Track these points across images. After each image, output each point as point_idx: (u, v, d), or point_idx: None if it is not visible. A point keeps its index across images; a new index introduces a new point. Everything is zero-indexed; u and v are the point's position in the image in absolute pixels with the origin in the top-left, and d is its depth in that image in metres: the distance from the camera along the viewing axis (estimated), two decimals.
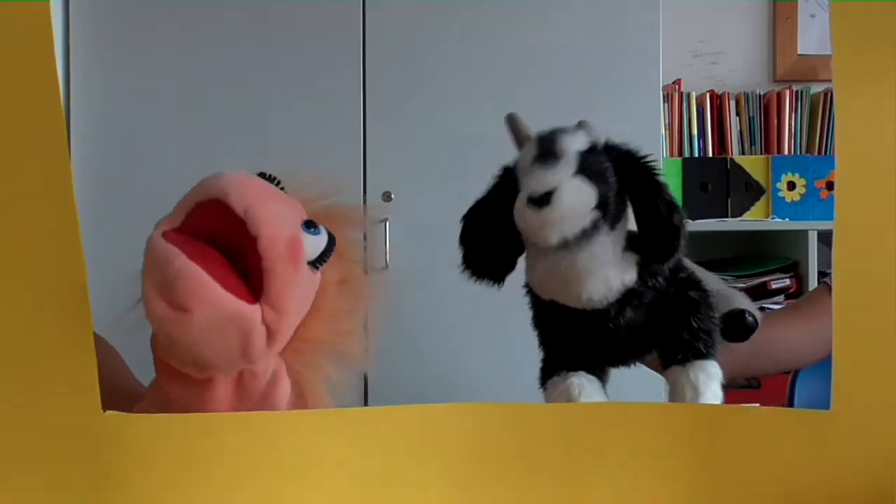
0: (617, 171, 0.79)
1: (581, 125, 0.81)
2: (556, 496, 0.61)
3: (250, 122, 1.90)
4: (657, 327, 0.84)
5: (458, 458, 0.61)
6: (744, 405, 0.67)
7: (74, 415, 0.57)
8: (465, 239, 0.86)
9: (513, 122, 0.83)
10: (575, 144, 0.79)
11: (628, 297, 0.82)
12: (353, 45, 1.90)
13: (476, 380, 1.85)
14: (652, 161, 0.81)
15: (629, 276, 0.81)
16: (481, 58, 1.91)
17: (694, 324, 0.82)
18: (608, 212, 0.78)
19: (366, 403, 1.90)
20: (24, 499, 0.57)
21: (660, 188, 0.80)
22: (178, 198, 0.69)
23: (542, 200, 0.76)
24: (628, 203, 0.81)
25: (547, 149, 0.79)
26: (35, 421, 0.57)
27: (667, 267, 0.81)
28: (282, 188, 0.69)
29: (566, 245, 0.77)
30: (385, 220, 1.89)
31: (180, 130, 1.90)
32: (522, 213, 0.78)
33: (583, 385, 0.84)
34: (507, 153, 0.87)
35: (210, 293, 0.59)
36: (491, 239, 0.83)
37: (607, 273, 0.80)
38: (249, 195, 0.61)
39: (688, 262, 0.90)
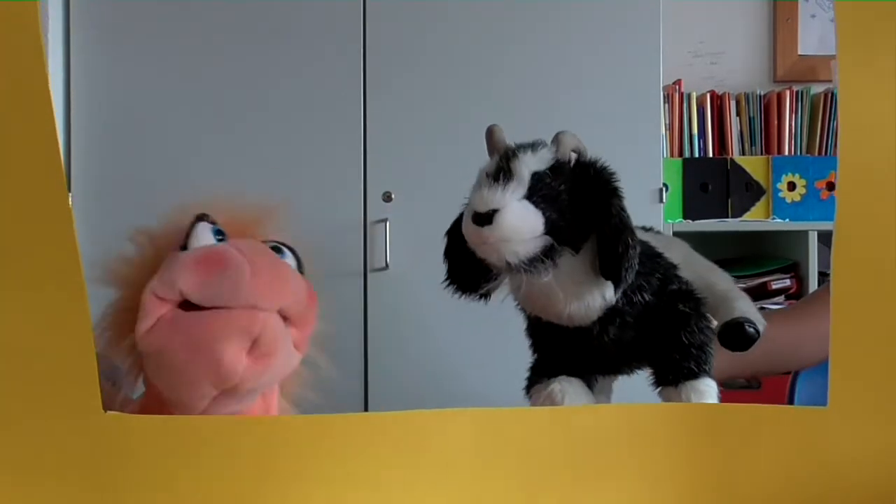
0: (575, 192, 0.77)
1: (556, 139, 0.79)
2: (557, 501, 0.61)
3: (251, 121, 1.90)
4: (647, 343, 0.83)
5: (458, 464, 0.61)
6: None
7: (74, 415, 0.57)
8: (449, 255, 0.84)
9: (489, 135, 0.81)
10: (533, 164, 0.76)
11: (611, 315, 0.81)
12: (354, 45, 1.90)
13: (477, 380, 1.85)
14: (612, 181, 0.78)
15: (610, 294, 0.79)
16: (481, 58, 1.91)
17: (685, 339, 0.80)
18: (563, 236, 0.76)
19: (366, 402, 1.90)
20: (23, 499, 0.57)
21: (610, 210, 0.77)
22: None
23: (484, 219, 0.74)
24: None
25: (503, 166, 0.76)
26: (35, 421, 0.57)
27: (622, 289, 0.78)
28: (217, 226, 0.69)
29: (518, 270, 0.75)
30: (385, 221, 1.89)
31: (180, 130, 1.90)
32: (466, 227, 0.77)
33: (565, 390, 0.84)
34: None
35: (285, 333, 0.63)
36: (471, 256, 0.80)
37: (583, 292, 0.79)
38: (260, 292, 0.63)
39: (693, 266, 0.88)
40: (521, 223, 0.74)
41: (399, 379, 1.89)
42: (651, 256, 0.83)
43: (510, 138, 0.84)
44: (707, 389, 0.80)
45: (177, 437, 0.58)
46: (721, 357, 0.84)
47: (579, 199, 0.77)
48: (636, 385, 0.92)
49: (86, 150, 1.89)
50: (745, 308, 0.88)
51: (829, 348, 0.59)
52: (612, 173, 0.79)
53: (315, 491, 0.59)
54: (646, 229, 0.92)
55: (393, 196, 1.90)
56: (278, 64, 1.90)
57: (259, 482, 0.58)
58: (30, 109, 0.55)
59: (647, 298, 0.81)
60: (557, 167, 0.77)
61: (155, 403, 0.66)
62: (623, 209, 0.78)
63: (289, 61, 1.90)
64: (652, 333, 0.82)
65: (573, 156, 0.79)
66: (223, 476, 0.58)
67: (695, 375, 0.80)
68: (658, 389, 0.83)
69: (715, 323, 0.86)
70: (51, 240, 0.56)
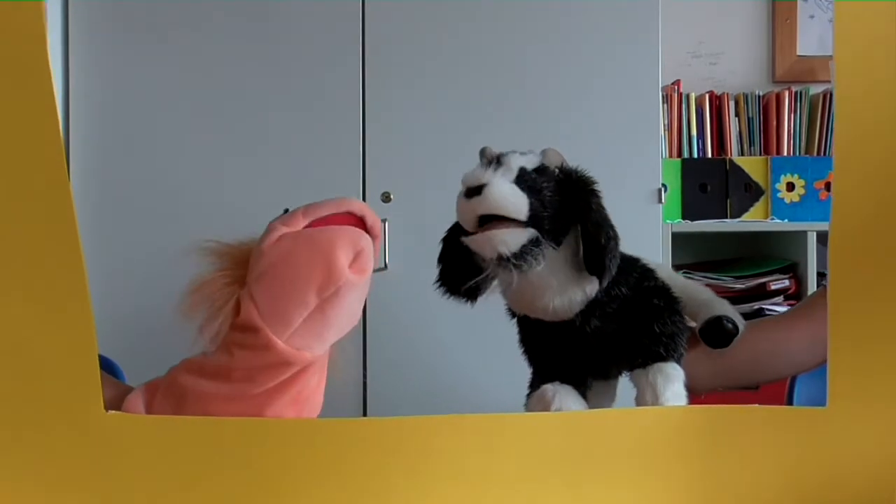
0: (560, 193, 0.83)
1: (544, 152, 0.86)
2: (560, 502, 0.61)
3: (250, 121, 1.90)
4: (624, 334, 0.87)
5: (459, 469, 0.61)
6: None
7: (76, 414, 0.57)
8: (442, 259, 0.91)
9: (482, 152, 0.88)
10: (522, 161, 0.83)
11: (592, 307, 0.86)
12: (353, 45, 1.90)
13: (476, 382, 1.85)
14: (592, 184, 0.85)
15: (591, 288, 0.85)
16: (480, 58, 1.91)
17: (656, 329, 0.85)
18: (545, 229, 0.81)
19: (364, 403, 1.90)
20: (26, 497, 0.57)
21: (590, 208, 0.83)
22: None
23: (473, 192, 0.81)
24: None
25: (493, 159, 0.84)
26: (37, 420, 0.57)
27: (608, 280, 0.83)
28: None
29: (507, 264, 0.81)
30: (384, 221, 1.89)
31: (179, 129, 1.90)
32: (458, 205, 0.84)
33: (556, 390, 0.88)
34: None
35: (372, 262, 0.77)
36: (463, 260, 0.87)
37: (566, 286, 0.84)
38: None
39: (664, 272, 0.93)
40: (506, 197, 0.80)
41: (398, 380, 1.88)
42: (629, 258, 0.90)
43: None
44: (674, 373, 0.84)
45: (177, 438, 0.58)
46: (705, 365, 0.89)
47: (561, 198, 0.83)
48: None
49: (84, 151, 1.89)
50: (725, 309, 0.95)
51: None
52: (592, 178, 0.85)
53: (313, 494, 0.59)
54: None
55: (392, 196, 1.90)
56: (278, 64, 1.90)
57: (259, 483, 0.58)
58: (34, 109, 0.55)
59: (624, 292, 0.86)
60: (542, 170, 0.83)
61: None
62: (602, 207, 0.84)
63: (288, 61, 1.90)
64: (629, 325, 0.87)
65: (556, 169, 0.85)
66: (222, 477, 0.58)
67: (662, 359, 0.84)
68: (630, 375, 0.88)
69: (692, 323, 0.92)
70: (54, 239, 0.56)
